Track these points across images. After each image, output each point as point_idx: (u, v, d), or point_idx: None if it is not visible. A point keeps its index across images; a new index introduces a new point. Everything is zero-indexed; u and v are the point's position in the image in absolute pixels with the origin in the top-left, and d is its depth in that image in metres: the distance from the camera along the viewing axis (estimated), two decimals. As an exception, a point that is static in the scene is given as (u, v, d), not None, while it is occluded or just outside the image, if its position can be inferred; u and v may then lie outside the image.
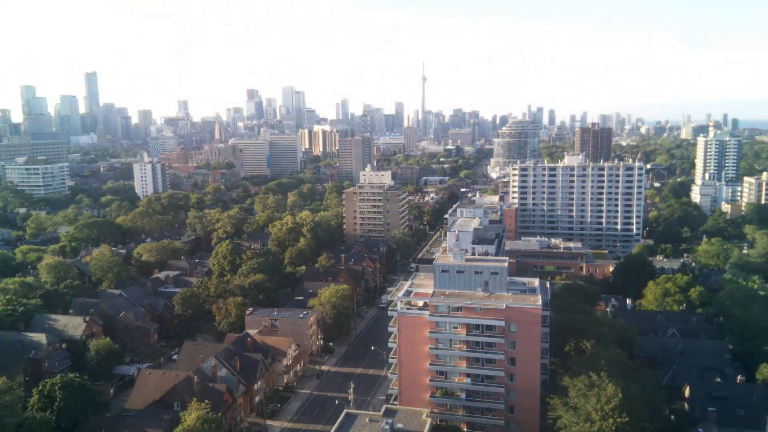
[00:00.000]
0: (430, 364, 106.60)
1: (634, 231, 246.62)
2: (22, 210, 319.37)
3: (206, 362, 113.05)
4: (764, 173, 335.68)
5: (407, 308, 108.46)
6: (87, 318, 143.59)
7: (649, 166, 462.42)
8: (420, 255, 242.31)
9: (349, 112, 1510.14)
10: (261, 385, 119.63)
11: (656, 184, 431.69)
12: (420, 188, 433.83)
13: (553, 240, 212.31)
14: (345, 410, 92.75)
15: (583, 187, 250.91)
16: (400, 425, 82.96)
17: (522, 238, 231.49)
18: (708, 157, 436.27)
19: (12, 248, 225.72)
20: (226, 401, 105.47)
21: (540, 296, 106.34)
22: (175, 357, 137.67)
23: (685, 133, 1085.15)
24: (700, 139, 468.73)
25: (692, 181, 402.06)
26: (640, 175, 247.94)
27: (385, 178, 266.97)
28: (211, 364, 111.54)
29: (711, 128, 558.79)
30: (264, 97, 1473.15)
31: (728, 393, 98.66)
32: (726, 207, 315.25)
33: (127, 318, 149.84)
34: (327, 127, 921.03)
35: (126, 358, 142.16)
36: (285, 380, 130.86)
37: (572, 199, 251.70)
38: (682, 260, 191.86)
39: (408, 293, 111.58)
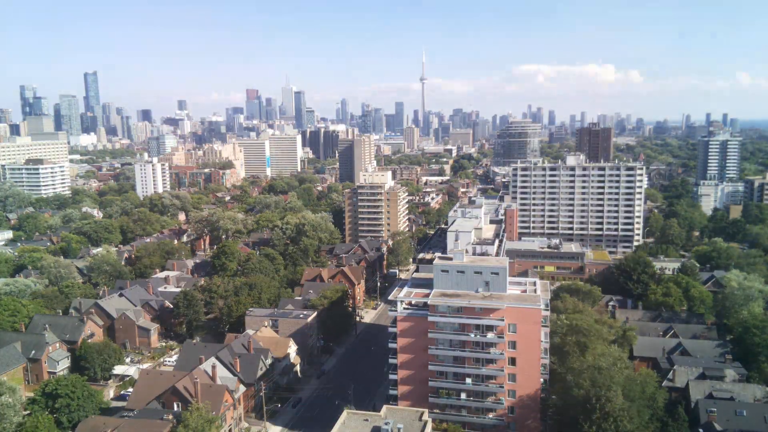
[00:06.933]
0: (430, 364, 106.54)
1: (635, 231, 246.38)
2: (22, 210, 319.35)
3: (206, 362, 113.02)
4: (766, 173, 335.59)
5: (407, 308, 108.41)
6: (87, 318, 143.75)
7: (649, 167, 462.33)
8: (420, 255, 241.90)
9: (349, 112, 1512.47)
10: (261, 385, 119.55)
11: (657, 184, 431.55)
12: (420, 188, 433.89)
13: (553, 240, 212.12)
14: (345, 410, 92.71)
15: (584, 188, 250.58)
16: (400, 425, 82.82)
17: (522, 238, 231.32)
18: (709, 157, 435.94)
19: (12, 248, 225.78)
20: (226, 401, 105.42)
21: (540, 296, 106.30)
22: (174, 357, 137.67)
23: (685, 133, 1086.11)
24: (701, 139, 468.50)
25: (693, 181, 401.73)
26: (640, 175, 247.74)
27: (385, 178, 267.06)
28: (211, 364, 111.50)
29: (713, 128, 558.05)
30: (264, 97, 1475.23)
31: (728, 393, 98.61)
32: (727, 207, 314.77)
33: (127, 318, 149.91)
34: (327, 127, 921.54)
35: (126, 358, 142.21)
36: (285, 380, 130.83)
37: (572, 199, 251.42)
38: (682, 260, 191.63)
39: (408, 293, 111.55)
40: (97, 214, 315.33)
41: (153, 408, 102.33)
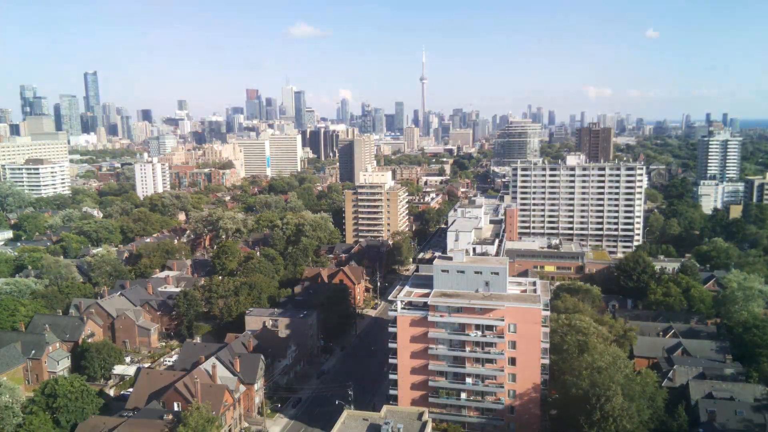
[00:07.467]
0: (430, 364, 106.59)
1: (635, 231, 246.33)
2: (22, 210, 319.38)
3: (206, 362, 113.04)
4: (766, 173, 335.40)
5: (407, 308, 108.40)
6: (87, 318, 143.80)
7: (649, 166, 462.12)
8: (420, 255, 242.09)
9: (349, 112, 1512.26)
10: (261, 385, 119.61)
11: (657, 184, 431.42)
12: (420, 188, 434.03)
13: (553, 240, 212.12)
14: (345, 410, 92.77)
15: (584, 187, 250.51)
16: (400, 425, 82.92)
17: (522, 238, 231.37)
18: (709, 157, 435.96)
19: (12, 248, 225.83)
20: (226, 401, 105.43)
21: (540, 296, 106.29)
22: (174, 357, 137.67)
23: (685, 133, 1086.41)
24: (701, 139, 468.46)
25: (693, 181, 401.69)
26: (640, 175, 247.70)
27: (385, 178, 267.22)
28: (211, 364, 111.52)
29: (713, 128, 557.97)
30: (264, 96, 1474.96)
31: (728, 393, 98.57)
32: (727, 207, 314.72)
33: (127, 318, 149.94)
34: (327, 127, 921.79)
35: (126, 358, 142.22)
36: (285, 380, 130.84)
37: (572, 199, 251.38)
38: (682, 260, 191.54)
39: (408, 293, 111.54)
40: (97, 214, 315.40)
41: (153, 408, 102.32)
